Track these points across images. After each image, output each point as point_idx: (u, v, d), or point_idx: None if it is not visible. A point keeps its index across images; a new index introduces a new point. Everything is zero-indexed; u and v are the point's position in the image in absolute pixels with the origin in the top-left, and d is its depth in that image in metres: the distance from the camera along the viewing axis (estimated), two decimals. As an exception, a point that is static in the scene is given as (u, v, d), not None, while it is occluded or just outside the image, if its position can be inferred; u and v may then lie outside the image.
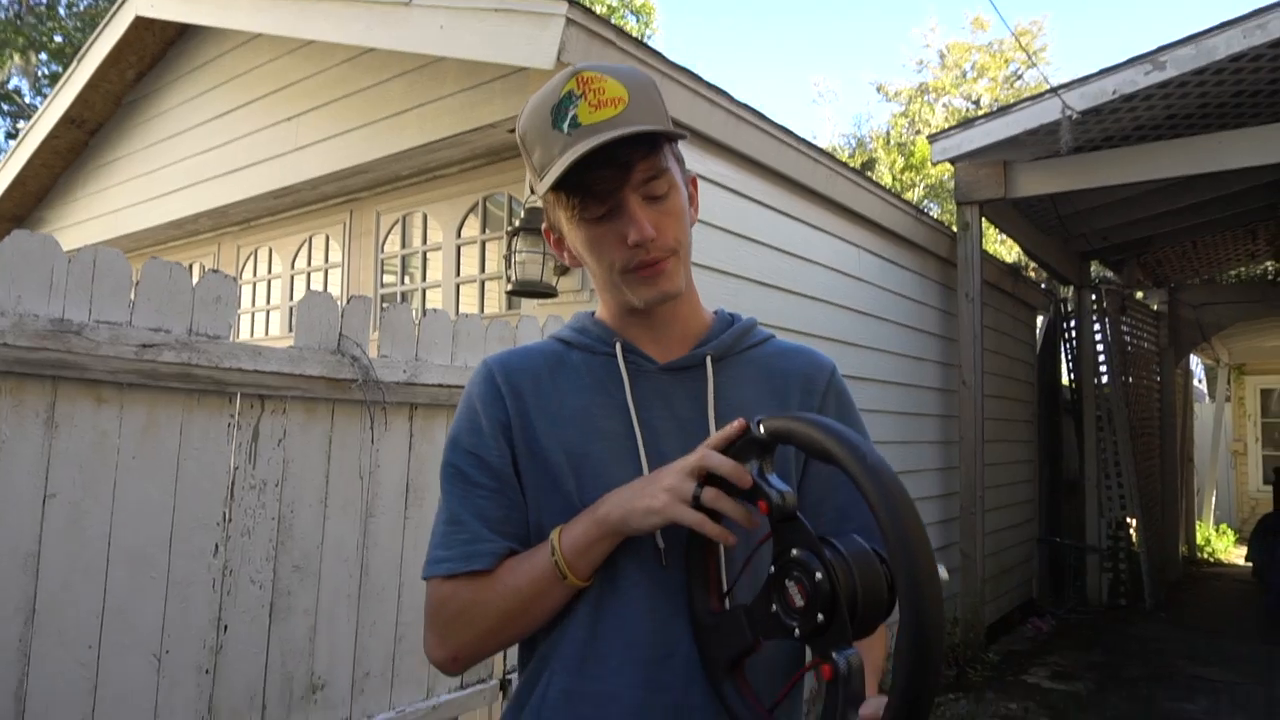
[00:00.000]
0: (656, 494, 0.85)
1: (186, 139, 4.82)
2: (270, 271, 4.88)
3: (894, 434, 4.77)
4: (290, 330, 4.64)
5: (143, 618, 1.64)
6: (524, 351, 1.05)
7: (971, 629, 5.16)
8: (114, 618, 1.61)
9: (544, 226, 1.04)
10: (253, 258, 4.99)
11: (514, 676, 2.39)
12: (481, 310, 3.73)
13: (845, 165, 4.35)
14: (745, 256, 3.59)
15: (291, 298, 4.72)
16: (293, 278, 4.70)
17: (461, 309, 3.81)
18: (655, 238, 0.91)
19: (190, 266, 5.30)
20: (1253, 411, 11.89)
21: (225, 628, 1.78)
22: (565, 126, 0.88)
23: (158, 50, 5.07)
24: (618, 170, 0.89)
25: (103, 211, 5.45)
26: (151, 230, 5.12)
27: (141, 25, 4.84)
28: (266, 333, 4.85)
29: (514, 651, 2.41)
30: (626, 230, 0.90)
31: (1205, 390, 13.65)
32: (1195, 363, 11.59)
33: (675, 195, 0.94)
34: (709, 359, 1.00)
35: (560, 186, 0.90)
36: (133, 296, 1.63)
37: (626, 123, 0.88)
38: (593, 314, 1.07)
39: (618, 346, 1.00)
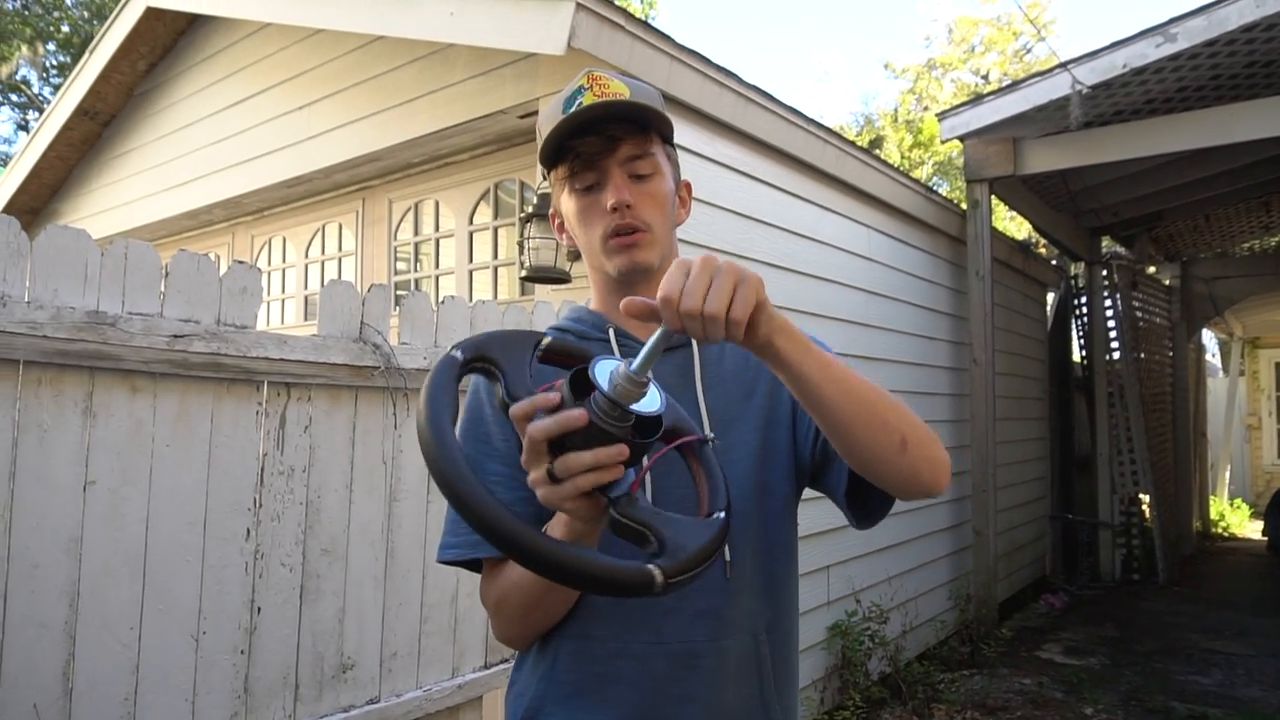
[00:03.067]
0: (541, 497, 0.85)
1: (199, 129, 4.86)
2: (285, 260, 4.93)
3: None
4: (306, 319, 4.69)
5: (180, 600, 1.70)
6: None
7: (985, 605, 5.21)
8: (153, 600, 1.66)
9: (550, 212, 1.11)
10: (267, 247, 5.04)
11: (537, 654, 2.44)
12: (495, 297, 3.76)
13: (854, 144, 4.36)
14: (756, 239, 3.61)
15: (306, 286, 4.76)
16: (307, 266, 4.74)
17: (475, 296, 3.85)
18: (631, 205, 0.98)
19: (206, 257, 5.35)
20: (1267, 385, 11.84)
21: (259, 609, 1.83)
22: (569, 110, 0.97)
23: (168, 41, 5.10)
24: (605, 141, 0.98)
25: (117, 203, 5.50)
26: (166, 221, 5.17)
27: (152, 16, 4.87)
28: (282, 321, 4.90)
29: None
30: (606, 200, 0.98)
31: (1219, 364, 13.60)
32: (1208, 337, 11.54)
33: (659, 181, 1.02)
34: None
35: (554, 155, 1.00)
36: (163, 288, 1.67)
37: (626, 105, 0.97)
38: (587, 304, 1.13)
39: (610, 331, 1.06)
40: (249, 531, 1.81)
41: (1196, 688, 4.56)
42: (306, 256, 4.75)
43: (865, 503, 0.99)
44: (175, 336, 1.65)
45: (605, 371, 0.76)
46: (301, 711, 1.90)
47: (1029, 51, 18.41)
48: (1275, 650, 5.26)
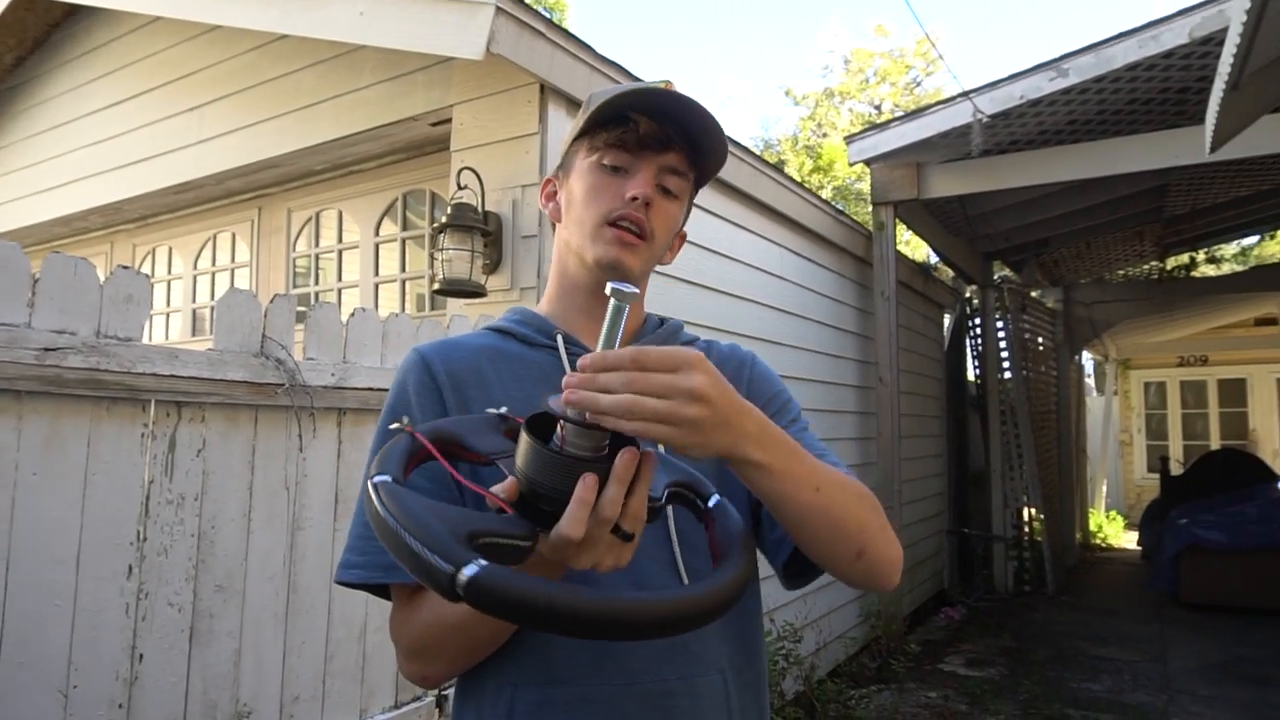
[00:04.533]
0: None
1: (75, 129, 4.50)
2: (170, 272, 4.60)
3: (816, 431, 4.82)
4: (194, 334, 4.39)
5: (47, 650, 1.49)
6: (458, 343, 1.00)
7: (893, 621, 5.29)
8: (13, 651, 1.45)
9: (548, 176, 1.04)
10: (151, 257, 4.70)
11: (450, 692, 2.29)
12: (402, 312, 3.59)
13: (768, 164, 4.39)
14: (674, 255, 3.56)
15: (194, 300, 4.46)
16: (195, 278, 4.44)
17: (381, 311, 3.66)
18: (649, 205, 0.92)
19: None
20: (1137, 404, 12.61)
21: (141, 657, 1.63)
22: (643, 88, 0.91)
23: (40, 33, 4.72)
24: (663, 135, 0.91)
25: (-22, 206, 5.04)
26: (35, 228, 4.76)
27: (21, 5, 4.50)
28: (167, 336, 4.57)
29: (451, 665, 2.32)
30: (629, 187, 0.91)
31: (1093, 384, 14.42)
32: (1086, 358, 12.21)
33: (677, 207, 0.97)
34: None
35: (607, 118, 0.92)
36: (31, 295, 1.47)
37: (705, 119, 0.91)
38: (531, 310, 1.03)
39: (559, 338, 0.97)
40: (131, 569, 1.62)
41: (1089, 694, 4.73)
42: (195, 268, 4.44)
43: (802, 572, 0.95)
44: (46, 350, 1.46)
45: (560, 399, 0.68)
46: (189, 768, 1.70)
47: (919, 85, 19.25)
48: (1156, 655, 5.53)
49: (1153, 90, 4.77)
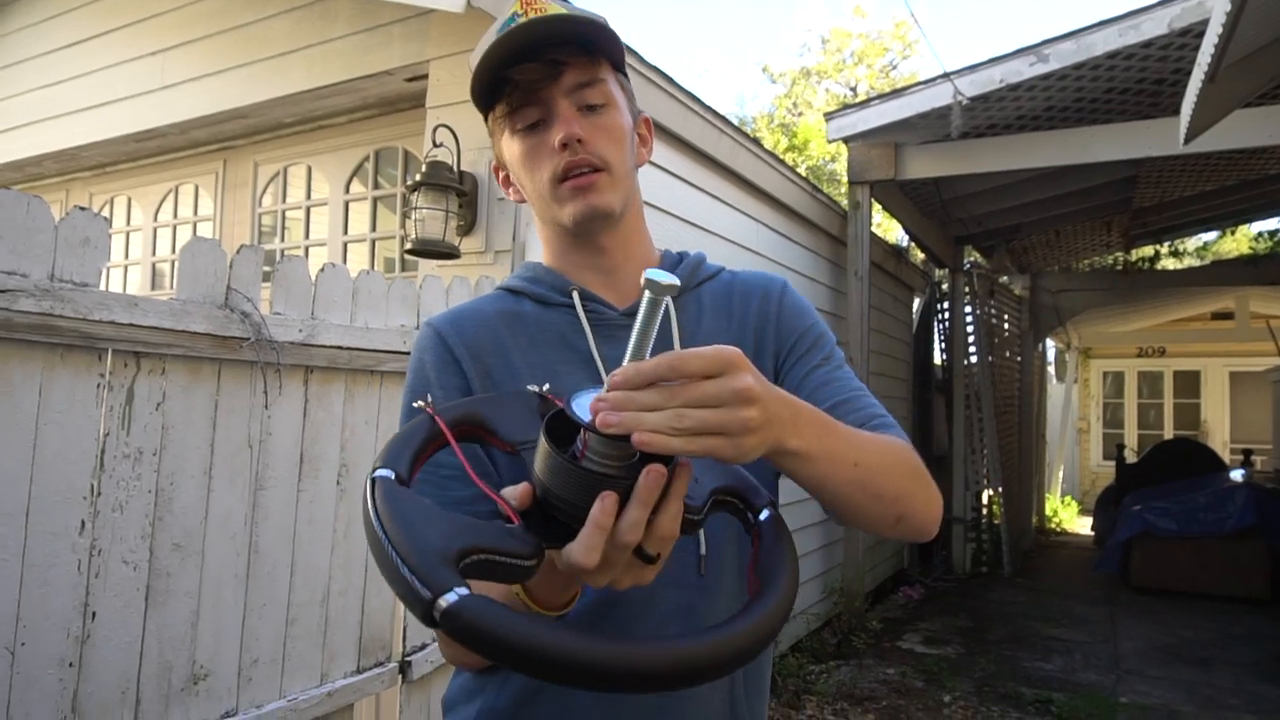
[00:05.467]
0: None
1: (28, 69, 4.31)
2: (129, 223, 4.45)
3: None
4: (153, 288, 4.25)
5: (-7, 605, 1.43)
6: (473, 308, 0.95)
7: (855, 598, 5.34)
8: (-43, 606, 1.39)
9: (492, 164, 0.97)
10: (109, 207, 4.53)
11: (414, 658, 2.26)
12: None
13: (748, 137, 4.34)
14: (651, 226, 3.51)
15: (154, 252, 4.32)
16: (156, 230, 4.30)
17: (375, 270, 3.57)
18: (583, 140, 0.85)
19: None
20: (1096, 392, 12.85)
21: (94, 615, 1.57)
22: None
23: (-6, -33, 4.50)
24: (546, 67, 0.84)
25: (-75, 148, 4.82)
26: (-15, 172, 4.57)
27: (-26, -63, 4.28)
28: (124, 288, 4.42)
29: (415, 631, 2.28)
30: (553, 135, 0.85)
31: (1054, 372, 14.66)
32: (1048, 345, 12.40)
33: (613, 112, 0.89)
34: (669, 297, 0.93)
35: (489, 90, 0.86)
36: (-19, 233, 1.39)
37: (566, 20, 0.83)
38: (543, 264, 0.98)
39: (575, 295, 0.92)
40: (84, 524, 1.55)
41: (1041, 673, 4.83)
42: (156, 220, 4.30)
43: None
44: (-4, 291, 1.38)
45: (586, 403, 0.60)
46: (142, 730, 1.65)
47: (895, 68, 19.26)
48: (1106, 636, 5.66)
49: (1130, 80, 4.79)
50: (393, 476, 0.60)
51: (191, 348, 1.69)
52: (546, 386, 0.74)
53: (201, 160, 4.06)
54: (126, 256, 4.44)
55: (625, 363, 0.59)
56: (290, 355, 1.88)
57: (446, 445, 0.66)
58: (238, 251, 1.80)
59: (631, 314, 0.90)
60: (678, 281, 0.59)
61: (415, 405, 0.67)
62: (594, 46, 0.86)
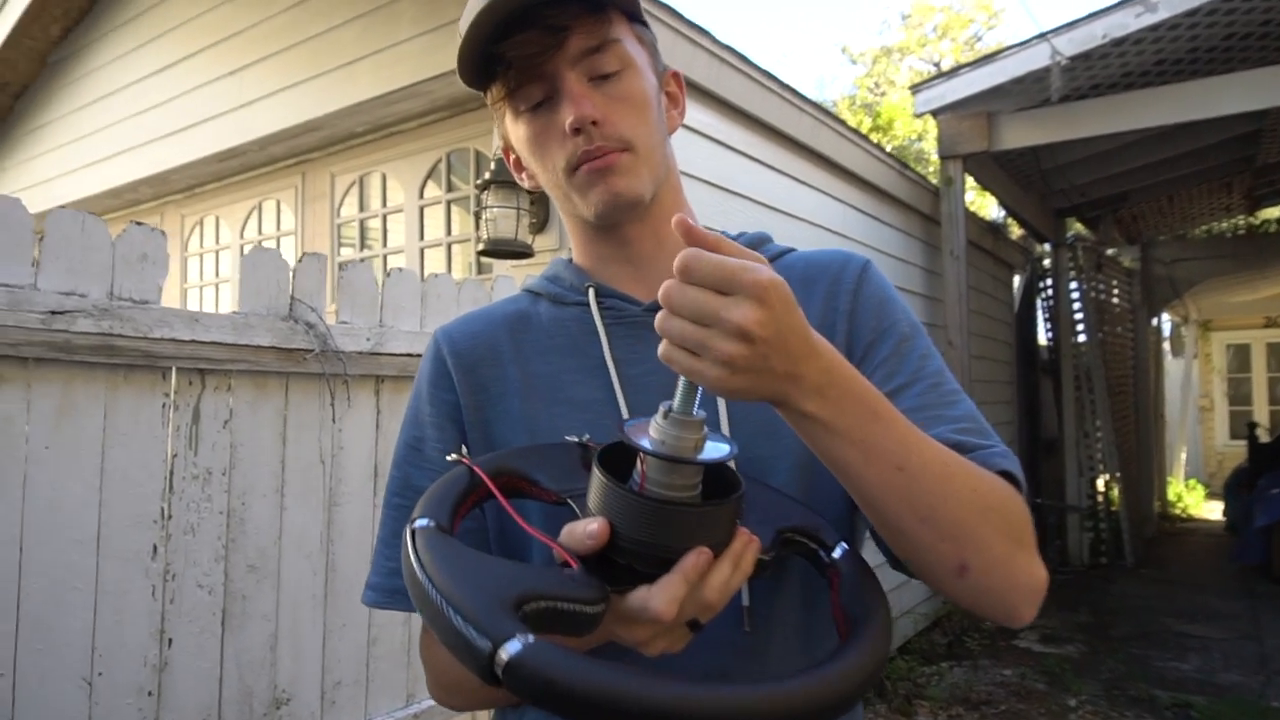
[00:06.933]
0: None
1: (121, 99, 4.45)
2: (219, 242, 4.55)
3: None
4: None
5: (66, 636, 1.39)
6: (483, 315, 0.83)
7: (962, 595, 5.06)
8: (32, 636, 1.36)
9: (501, 146, 0.83)
10: (199, 227, 4.65)
11: (502, 674, 2.17)
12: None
13: (830, 114, 4.13)
14: (731, 211, 3.36)
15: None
16: (243, 247, 4.37)
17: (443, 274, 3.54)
18: (599, 121, 0.70)
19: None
20: (1220, 367, 11.98)
21: (170, 641, 1.53)
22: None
23: (84, 2, 4.67)
24: (545, 34, 0.69)
25: (32, 182, 5.06)
26: (87, 200, 4.74)
27: (65, -26, 4.44)
28: (217, 308, 4.53)
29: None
30: (562, 117, 0.71)
31: (1169, 348, 13.78)
32: (1163, 319, 11.64)
33: (632, 77, 0.73)
34: None
35: (480, 68, 0.72)
36: (36, 254, 1.35)
37: None
38: (570, 260, 0.85)
39: (590, 292, 0.79)
40: (156, 548, 1.51)
41: (1176, 674, 4.46)
42: (242, 237, 4.38)
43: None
44: (53, 313, 1.34)
45: (642, 431, 0.55)
46: (225, 757, 1.60)
47: (980, 40, 18.46)
48: (1247, 633, 5.20)
49: (1252, 24, 4.36)
50: (433, 526, 0.55)
51: (256, 362, 1.64)
52: (587, 436, 0.66)
53: (281, 175, 4.11)
54: (218, 275, 4.54)
55: (677, 401, 0.54)
56: (358, 365, 1.81)
57: (486, 497, 0.61)
58: (300, 260, 1.74)
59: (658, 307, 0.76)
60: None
61: (450, 458, 0.62)
62: (602, 5, 0.71)
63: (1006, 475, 0.66)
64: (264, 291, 1.67)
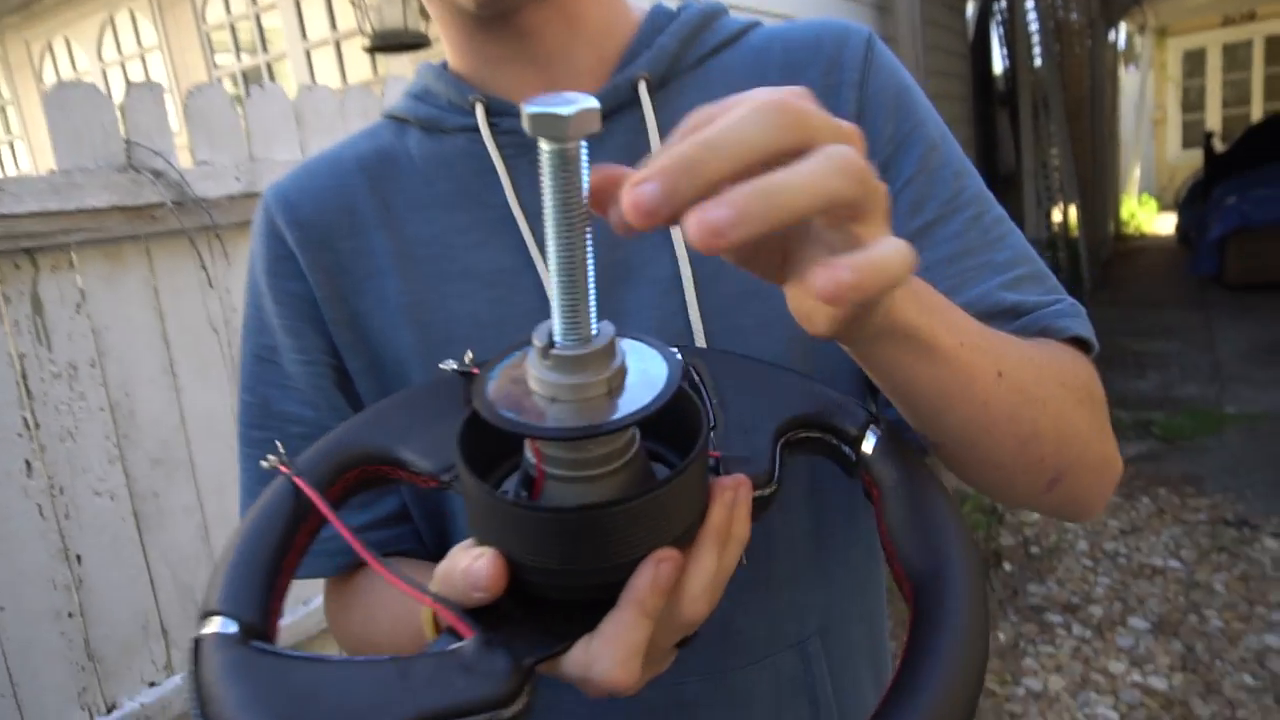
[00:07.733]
0: None
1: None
2: (76, 69, 3.97)
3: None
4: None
5: (-57, 580, 1.21)
6: (328, 161, 0.58)
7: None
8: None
9: None
10: (48, 54, 4.04)
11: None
12: (343, 82, 3.02)
13: None
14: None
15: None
16: (105, 72, 3.82)
17: (320, 84, 3.09)
18: None
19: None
20: (1175, 75, 11.64)
21: (79, 558, 1.36)
22: None
23: None
24: None
25: None
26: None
27: None
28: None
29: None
30: None
31: (1124, 60, 13.33)
32: (1120, 31, 11.12)
33: None
34: (643, 85, 0.53)
35: None
36: None
37: None
38: (444, 64, 0.58)
39: (478, 109, 0.53)
40: (29, 464, 1.29)
41: (1137, 393, 4.58)
42: (101, 59, 3.81)
43: None
44: None
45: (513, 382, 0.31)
46: (179, 657, 1.49)
47: None
48: (1204, 344, 5.33)
49: None
50: (236, 631, 0.31)
51: (99, 229, 1.35)
52: (469, 357, 0.42)
53: (126, -21, 3.50)
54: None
55: (557, 324, 0.29)
56: (231, 212, 1.52)
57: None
58: (127, 92, 1.40)
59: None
60: (594, 105, 0.27)
61: (263, 464, 0.39)
62: None
63: (1077, 341, 0.50)
64: (86, 138, 1.35)
